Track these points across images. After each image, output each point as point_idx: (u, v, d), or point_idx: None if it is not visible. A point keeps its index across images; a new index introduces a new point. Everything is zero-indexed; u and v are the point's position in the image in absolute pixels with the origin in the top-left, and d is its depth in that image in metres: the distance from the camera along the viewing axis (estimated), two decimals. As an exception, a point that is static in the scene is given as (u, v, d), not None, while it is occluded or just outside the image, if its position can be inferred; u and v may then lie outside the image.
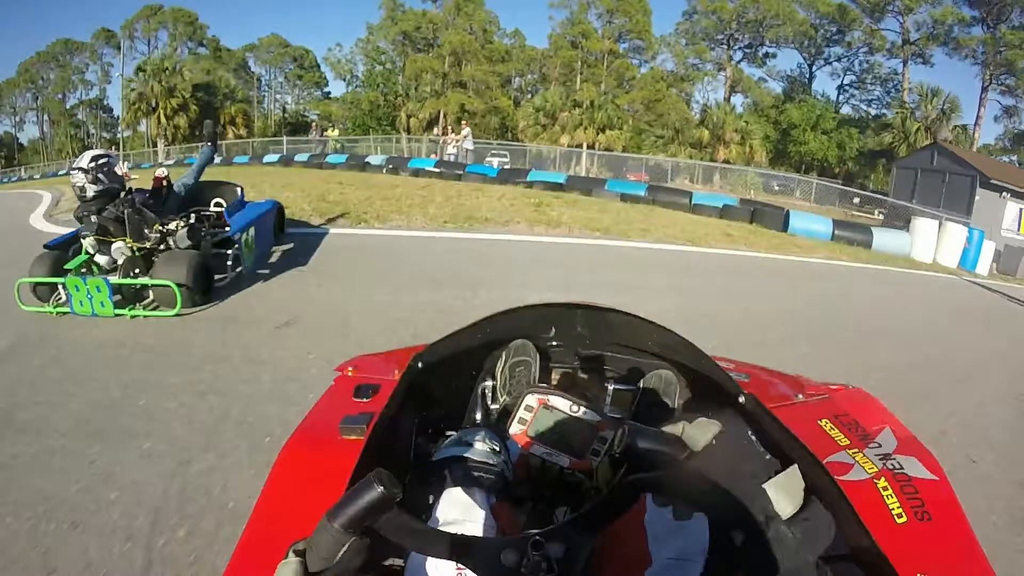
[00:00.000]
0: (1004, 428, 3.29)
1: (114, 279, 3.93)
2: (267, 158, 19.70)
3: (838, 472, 0.90)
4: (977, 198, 15.60)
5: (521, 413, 0.93)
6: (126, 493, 2.08)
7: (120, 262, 4.07)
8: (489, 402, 1.13)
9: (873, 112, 35.89)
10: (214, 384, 2.95)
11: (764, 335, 4.50)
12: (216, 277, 4.50)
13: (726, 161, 26.85)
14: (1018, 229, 15.32)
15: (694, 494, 0.72)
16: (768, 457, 0.76)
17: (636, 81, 36.95)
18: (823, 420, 1.09)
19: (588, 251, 7.38)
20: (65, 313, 3.96)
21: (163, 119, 31.94)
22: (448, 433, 1.00)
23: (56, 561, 1.75)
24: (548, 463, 0.94)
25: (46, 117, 43.25)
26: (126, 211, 4.10)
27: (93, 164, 4.07)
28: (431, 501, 0.84)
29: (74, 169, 4.12)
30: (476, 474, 0.86)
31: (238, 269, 4.72)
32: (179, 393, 2.83)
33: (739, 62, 37.73)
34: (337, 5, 58.85)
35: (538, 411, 0.92)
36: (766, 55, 37.63)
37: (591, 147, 26.37)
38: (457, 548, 0.60)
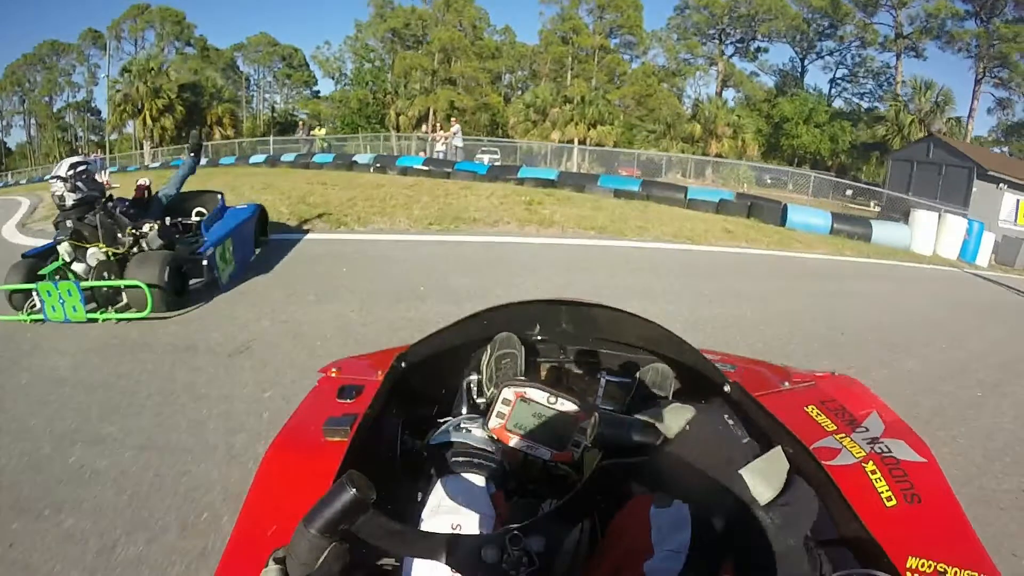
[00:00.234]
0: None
1: (85, 282, 3.85)
2: (254, 159, 19.35)
3: (825, 457, 0.90)
4: (974, 189, 15.52)
5: (499, 407, 0.90)
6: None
7: (94, 266, 4.00)
8: (475, 396, 1.10)
9: (865, 105, 36.08)
10: (154, 435, 2.57)
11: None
12: (192, 281, 4.42)
13: (718, 155, 26.75)
14: (1015, 220, 15.24)
15: (669, 481, 0.71)
16: (746, 441, 0.72)
17: (627, 76, 36.84)
18: (809, 407, 1.11)
19: (584, 252, 7.00)
20: (39, 321, 3.85)
21: (149, 120, 31.50)
22: (440, 421, 0.97)
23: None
24: (530, 456, 0.91)
25: (33, 121, 42.68)
26: (99, 216, 4.07)
27: (72, 172, 4.02)
28: (428, 488, 0.80)
29: (52, 177, 4.08)
30: (477, 460, 0.83)
31: (215, 274, 4.54)
32: (114, 447, 2.46)
33: (731, 57, 37.77)
34: (326, 3, 58.46)
35: (515, 404, 0.89)
36: (758, 50, 37.71)
37: (582, 143, 26.17)
38: (436, 548, 0.60)
